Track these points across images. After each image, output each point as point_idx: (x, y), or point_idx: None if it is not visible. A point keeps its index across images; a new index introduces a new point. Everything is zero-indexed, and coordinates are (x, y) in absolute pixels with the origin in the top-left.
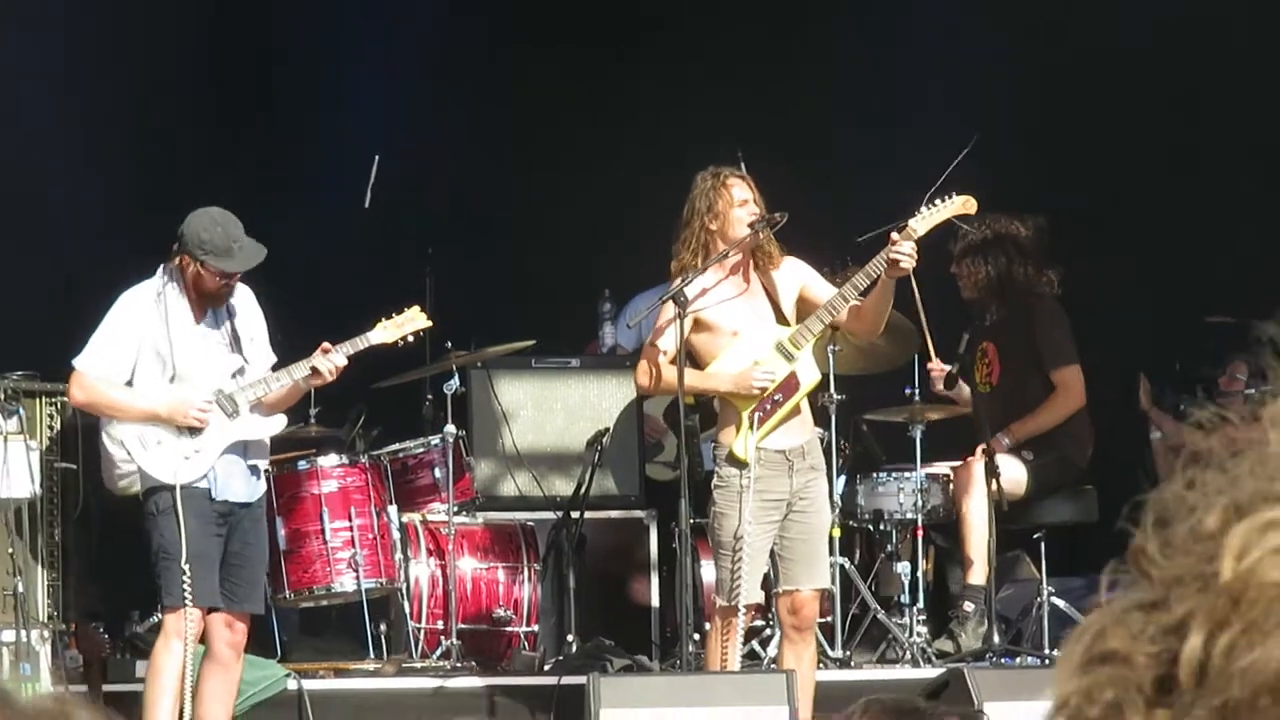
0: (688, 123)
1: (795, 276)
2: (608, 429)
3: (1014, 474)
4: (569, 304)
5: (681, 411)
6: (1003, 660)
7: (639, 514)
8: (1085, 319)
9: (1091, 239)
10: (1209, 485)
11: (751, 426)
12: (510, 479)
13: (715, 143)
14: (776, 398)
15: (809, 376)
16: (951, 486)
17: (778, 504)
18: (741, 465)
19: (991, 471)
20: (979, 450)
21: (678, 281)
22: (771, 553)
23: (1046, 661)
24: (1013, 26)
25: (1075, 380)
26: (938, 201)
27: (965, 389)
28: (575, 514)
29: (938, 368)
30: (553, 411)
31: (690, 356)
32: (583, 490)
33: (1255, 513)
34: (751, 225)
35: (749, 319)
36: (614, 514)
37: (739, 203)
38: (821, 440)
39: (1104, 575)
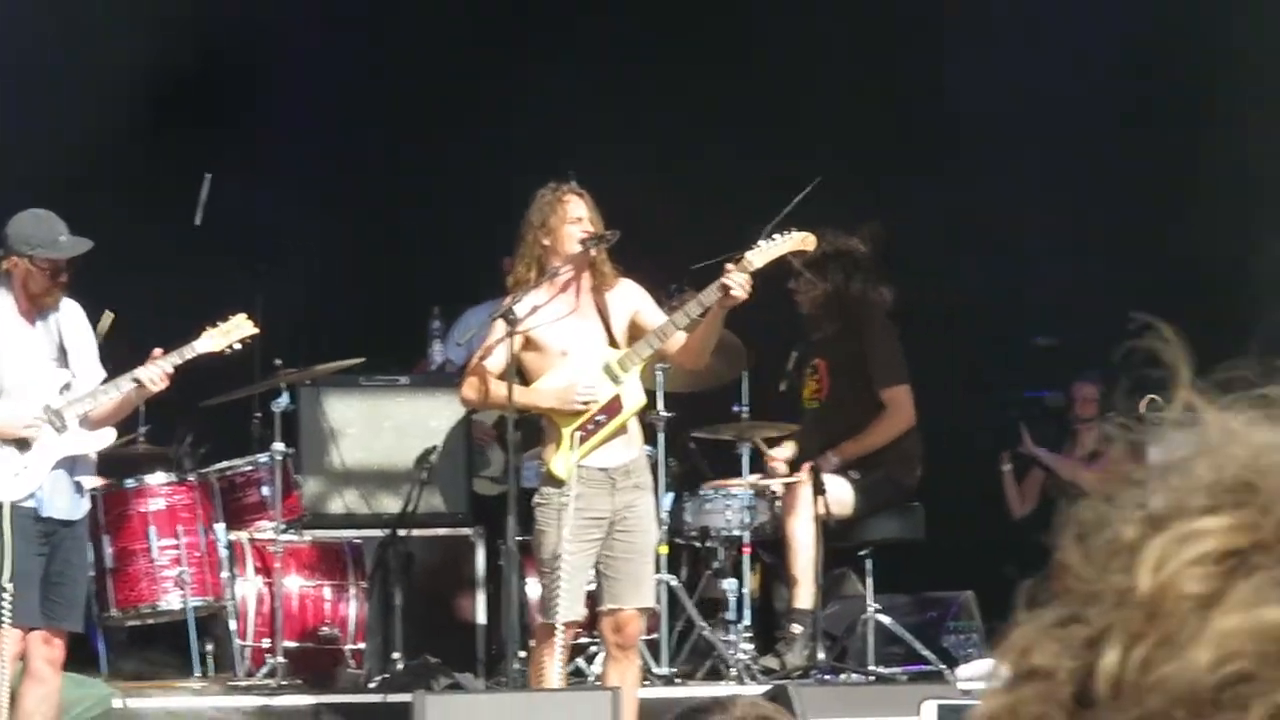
0: (521, 139)
1: (629, 300)
2: (436, 447)
3: (840, 494)
4: (398, 321)
5: (511, 429)
6: (827, 677)
7: (466, 532)
8: (918, 335)
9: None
10: (1127, 499)
11: (571, 445)
12: (338, 497)
13: (552, 160)
14: (599, 418)
15: (633, 399)
16: (778, 504)
17: (599, 522)
18: (560, 483)
19: (818, 489)
20: (805, 468)
21: (508, 299)
22: (597, 570)
23: (871, 678)
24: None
25: (905, 400)
26: (776, 236)
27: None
28: (403, 532)
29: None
30: (381, 429)
31: (518, 374)
32: (410, 508)
33: (1172, 525)
34: (583, 242)
35: (578, 339)
36: (441, 532)
37: (573, 219)
38: (650, 458)
39: (1023, 589)
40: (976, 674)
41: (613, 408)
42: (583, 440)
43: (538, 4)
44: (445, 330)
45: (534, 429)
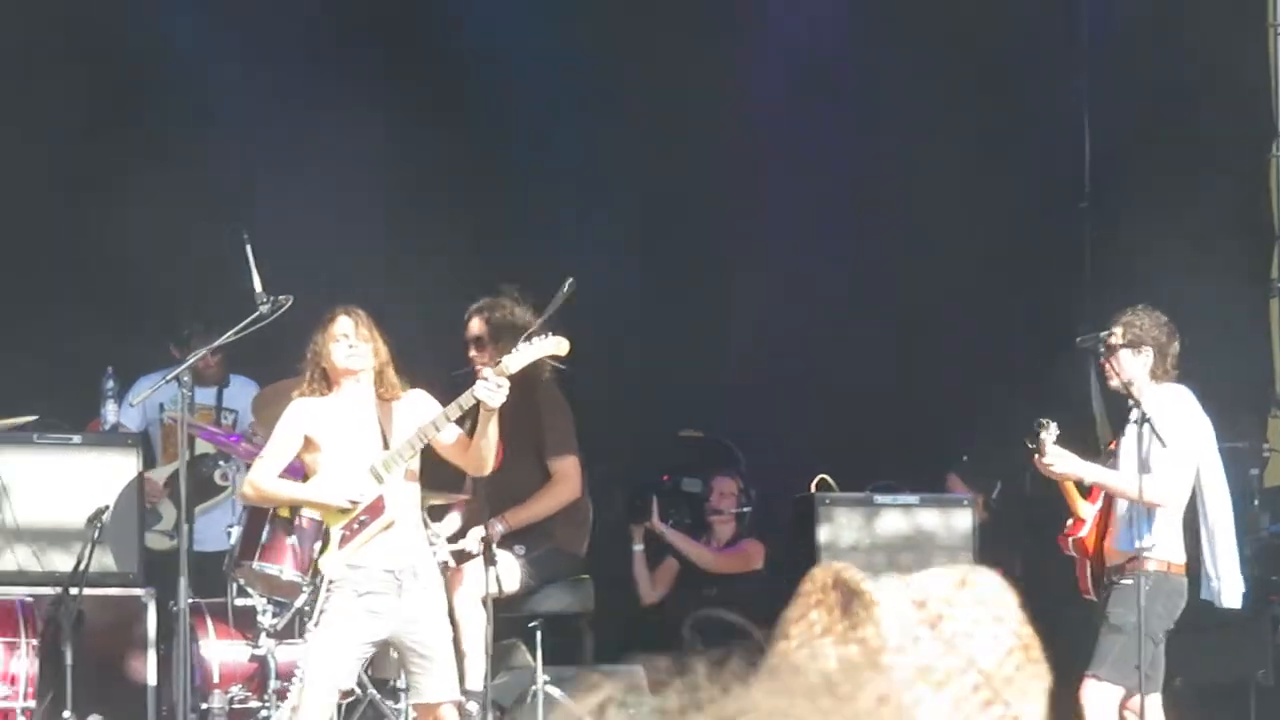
0: (199, 203)
1: (415, 411)
2: (108, 506)
3: (507, 570)
4: (71, 380)
5: (183, 487)
6: None
7: (138, 592)
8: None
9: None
10: None
11: (340, 545)
12: (10, 554)
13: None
14: (363, 519)
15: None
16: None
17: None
18: (328, 578)
19: (489, 559)
20: (477, 537)
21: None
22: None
23: None
24: None
25: (573, 471)
26: (535, 339)
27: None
28: (74, 590)
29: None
30: (54, 487)
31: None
32: (82, 566)
33: None
34: (346, 361)
35: (352, 445)
36: (113, 591)
37: (338, 336)
38: None
39: None
40: None
41: (375, 508)
42: (346, 540)
43: None
44: (119, 391)
45: (207, 484)
